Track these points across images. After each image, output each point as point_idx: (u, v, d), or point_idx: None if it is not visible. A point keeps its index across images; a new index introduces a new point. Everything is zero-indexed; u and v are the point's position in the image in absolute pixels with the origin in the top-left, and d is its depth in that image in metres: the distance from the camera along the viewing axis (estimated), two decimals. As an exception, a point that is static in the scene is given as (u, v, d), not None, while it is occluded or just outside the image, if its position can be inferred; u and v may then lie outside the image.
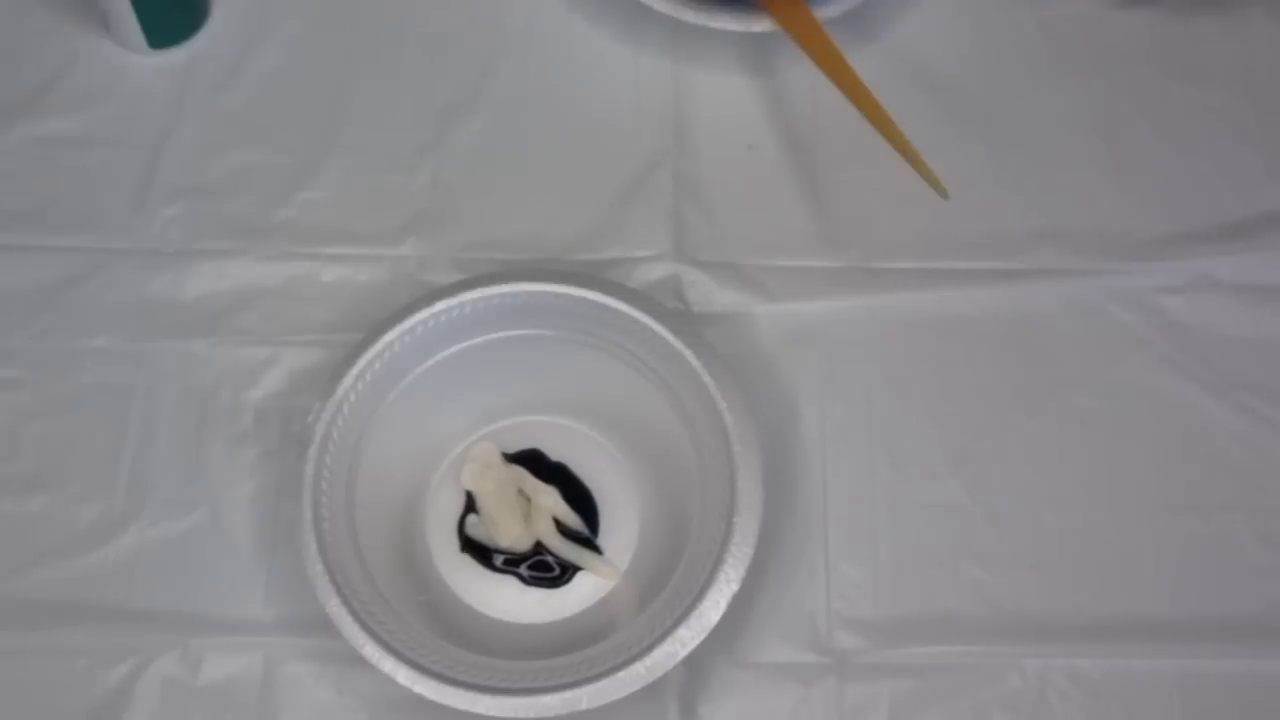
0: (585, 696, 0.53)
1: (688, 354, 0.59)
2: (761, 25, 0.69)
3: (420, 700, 0.54)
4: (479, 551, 0.61)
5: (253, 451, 0.62)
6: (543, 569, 0.61)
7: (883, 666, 0.60)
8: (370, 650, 0.54)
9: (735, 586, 0.55)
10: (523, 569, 0.60)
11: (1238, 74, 0.74)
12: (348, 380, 0.59)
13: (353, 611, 0.54)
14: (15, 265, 0.65)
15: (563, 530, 0.61)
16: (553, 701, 0.53)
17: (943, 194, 0.64)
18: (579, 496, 0.62)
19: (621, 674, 0.54)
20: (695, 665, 0.60)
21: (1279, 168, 0.71)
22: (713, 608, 0.55)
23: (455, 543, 0.61)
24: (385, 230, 0.67)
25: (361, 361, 0.59)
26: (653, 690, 0.59)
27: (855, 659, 0.60)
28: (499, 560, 0.60)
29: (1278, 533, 0.63)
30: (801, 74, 0.70)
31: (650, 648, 0.54)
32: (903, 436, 0.65)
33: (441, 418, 0.62)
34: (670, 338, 0.59)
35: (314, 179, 0.68)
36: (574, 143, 0.71)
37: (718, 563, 0.55)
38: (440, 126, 0.70)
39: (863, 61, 0.68)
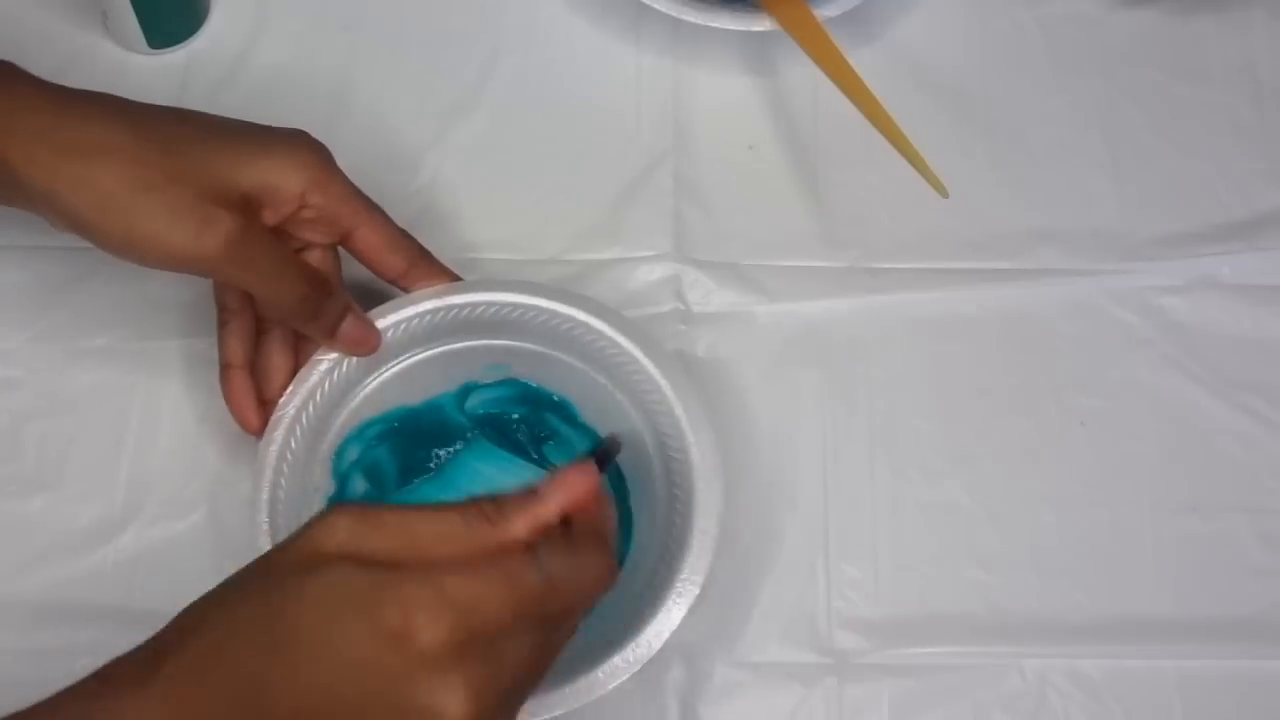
0: None
1: (664, 384, 0.58)
2: (762, 25, 0.69)
3: None
4: None
5: (253, 451, 0.62)
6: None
7: (883, 666, 0.60)
8: None
9: (675, 623, 0.54)
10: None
11: (1238, 73, 0.74)
12: (324, 365, 0.58)
13: None
14: (16, 265, 0.65)
15: None
16: None
17: (943, 194, 0.64)
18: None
19: (549, 696, 0.53)
20: (695, 665, 0.60)
21: (1279, 168, 0.71)
22: (653, 639, 0.54)
23: None
24: (385, 230, 0.67)
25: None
26: (653, 690, 0.59)
27: (855, 659, 0.60)
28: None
29: (1278, 533, 0.64)
30: (802, 74, 0.70)
31: (584, 672, 0.53)
32: (903, 436, 0.65)
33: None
34: (650, 365, 0.59)
35: (314, 179, 0.68)
36: (574, 143, 0.71)
37: (662, 597, 0.55)
38: (440, 126, 0.70)
39: (863, 61, 0.68)
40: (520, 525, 0.44)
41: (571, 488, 0.46)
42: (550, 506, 0.45)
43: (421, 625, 0.41)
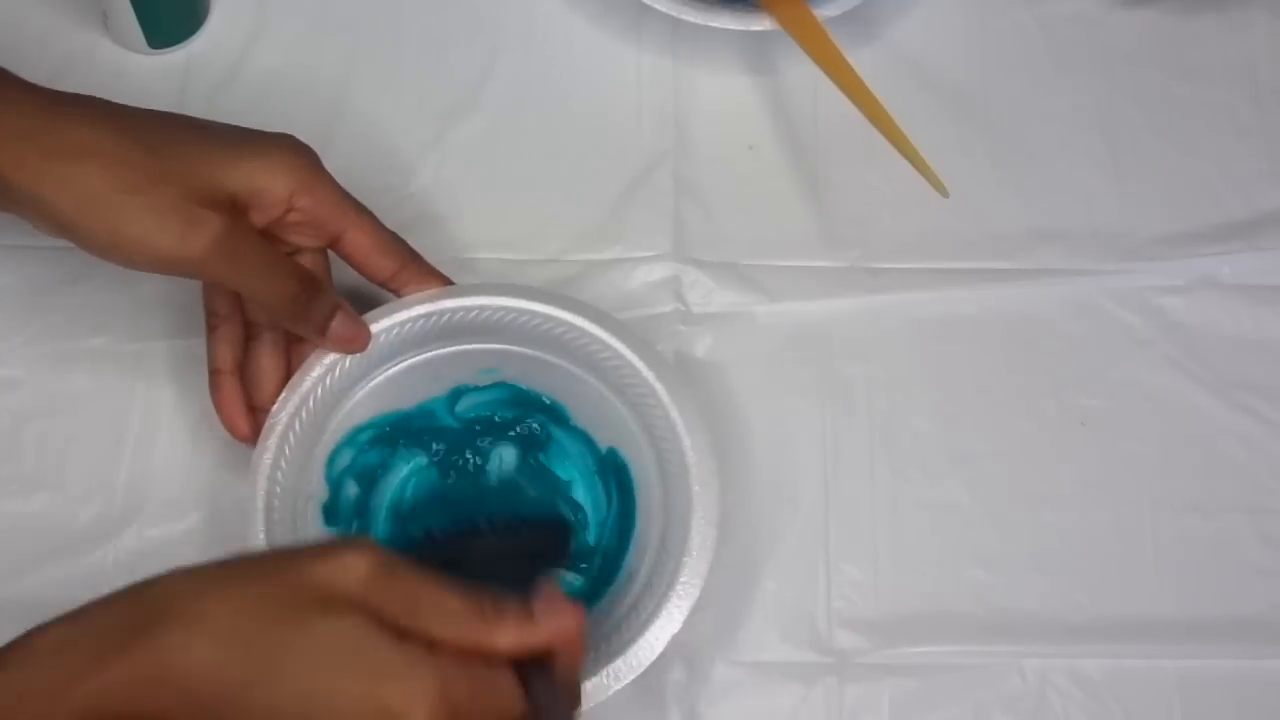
0: None
1: (659, 388, 0.58)
2: (762, 24, 0.69)
3: None
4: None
5: (251, 451, 0.62)
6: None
7: (883, 666, 0.60)
8: None
9: (676, 627, 0.54)
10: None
11: (1238, 73, 0.74)
12: (316, 372, 0.58)
13: None
14: (14, 265, 0.65)
15: None
16: None
17: (943, 194, 0.64)
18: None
19: None
20: (695, 665, 0.60)
21: (1279, 168, 0.71)
22: (654, 643, 0.54)
23: None
24: (385, 230, 0.67)
25: (330, 356, 0.59)
26: (653, 690, 0.59)
27: (855, 659, 0.60)
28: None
29: (1278, 533, 0.64)
30: (802, 74, 0.70)
31: (588, 677, 0.53)
32: (903, 436, 0.65)
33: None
34: (643, 368, 0.58)
35: (314, 179, 0.68)
36: (574, 143, 0.71)
37: (662, 601, 0.55)
38: (440, 126, 0.70)
39: (863, 61, 0.68)
40: (507, 640, 0.46)
41: (564, 629, 0.47)
42: (540, 638, 0.47)
43: (418, 716, 0.43)
